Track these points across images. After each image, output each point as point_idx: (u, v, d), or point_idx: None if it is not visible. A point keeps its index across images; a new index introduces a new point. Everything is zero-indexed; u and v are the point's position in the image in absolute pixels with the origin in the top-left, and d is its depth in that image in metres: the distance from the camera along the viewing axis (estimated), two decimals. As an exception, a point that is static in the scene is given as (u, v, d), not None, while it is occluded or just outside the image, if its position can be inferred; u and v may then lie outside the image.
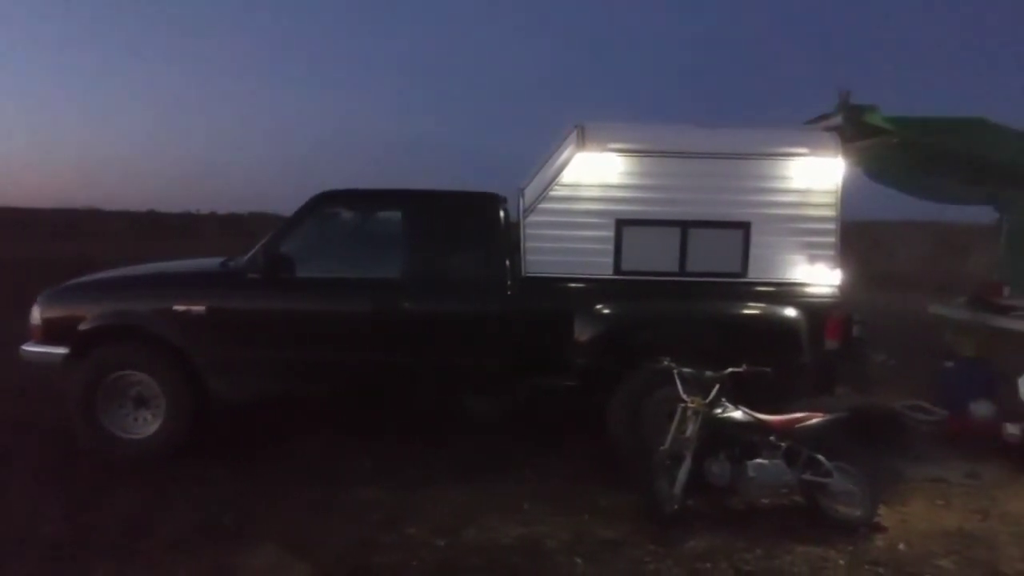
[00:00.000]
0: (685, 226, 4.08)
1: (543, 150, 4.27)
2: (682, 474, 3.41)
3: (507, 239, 4.19)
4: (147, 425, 4.14)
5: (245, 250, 4.38)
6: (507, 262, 4.12)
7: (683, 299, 4.09)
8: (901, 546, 3.25)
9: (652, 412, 3.94)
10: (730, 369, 3.51)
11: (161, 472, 3.93)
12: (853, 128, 4.07)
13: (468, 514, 3.50)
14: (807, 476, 3.42)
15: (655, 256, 4.10)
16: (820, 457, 3.43)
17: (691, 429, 3.45)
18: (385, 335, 4.14)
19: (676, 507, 3.38)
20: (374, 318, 4.11)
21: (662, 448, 3.52)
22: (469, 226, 4.26)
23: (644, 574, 2.97)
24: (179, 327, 4.05)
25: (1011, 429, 4.47)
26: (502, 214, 4.23)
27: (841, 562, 3.09)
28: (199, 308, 4.06)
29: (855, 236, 18.55)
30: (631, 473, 3.75)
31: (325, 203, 4.30)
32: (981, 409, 4.92)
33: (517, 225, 4.22)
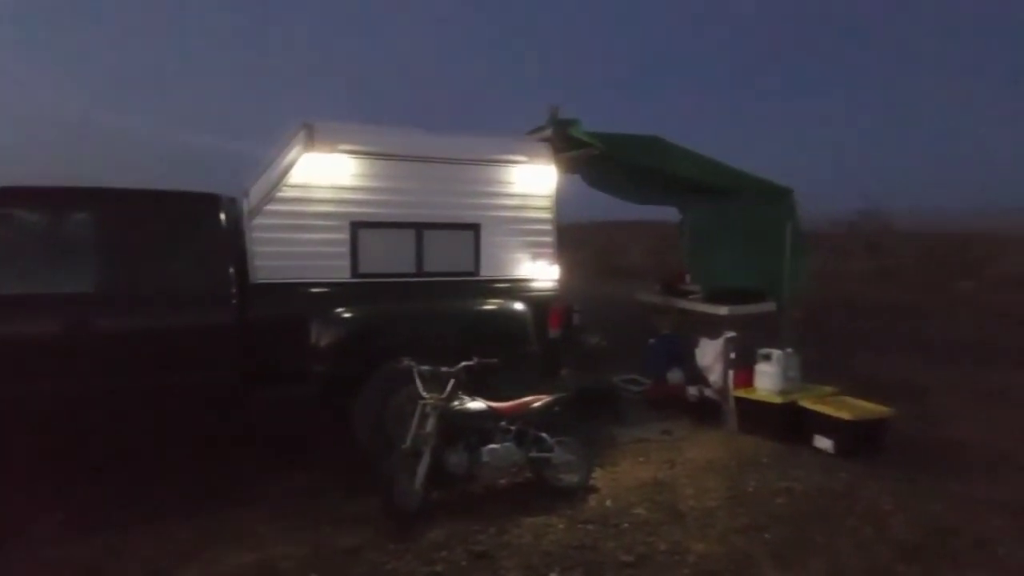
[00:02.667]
0: (420, 228, 4.19)
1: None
2: (422, 469, 3.50)
3: (230, 244, 3.85)
4: None
5: None
6: (231, 269, 3.79)
7: (422, 299, 4.20)
8: (608, 502, 3.76)
9: (396, 412, 3.97)
10: (463, 363, 3.71)
11: None
12: (561, 140, 4.60)
13: (190, 550, 3.14)
14: (534, 453, 3.78)
15: (392, 258, 4.15)
16: (544, 435, 3.82)
17: (431, 424, 3.56)
18: (80, 360, 3.50)
19: (418, 502, 3.46)
20: (61, 341, 3.45)
21: (403, 446, 3.58)
22: (183, 230, 3.80)
23: (383, 575, 2.98)
24: None
25: (692, 391, 5.50)
26: (223, 216, 3.86)
27: (561, 526, 3.46)
28: None
29: (592, 235, 21.21)
30: (377, 475, 3.74)
31: (-5, 203, 3.48)
32: (674, 376, 5.97)
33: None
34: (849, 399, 4.79)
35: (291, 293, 3.92)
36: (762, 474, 4.18)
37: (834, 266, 15.48)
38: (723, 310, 5.28)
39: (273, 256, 3.87)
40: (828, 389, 4.98)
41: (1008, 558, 3.17)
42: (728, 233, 5.99)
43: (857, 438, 4.41)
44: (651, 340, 6.34)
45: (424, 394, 3.61)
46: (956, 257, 15.42)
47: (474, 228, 4.33)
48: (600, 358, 5.94)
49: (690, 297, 5.86)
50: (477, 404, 3.73)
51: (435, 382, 3.67)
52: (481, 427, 3.72)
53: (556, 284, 4.62)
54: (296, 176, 3.87)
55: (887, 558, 3.16)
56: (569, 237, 5.52)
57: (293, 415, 4.23)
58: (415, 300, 4.19)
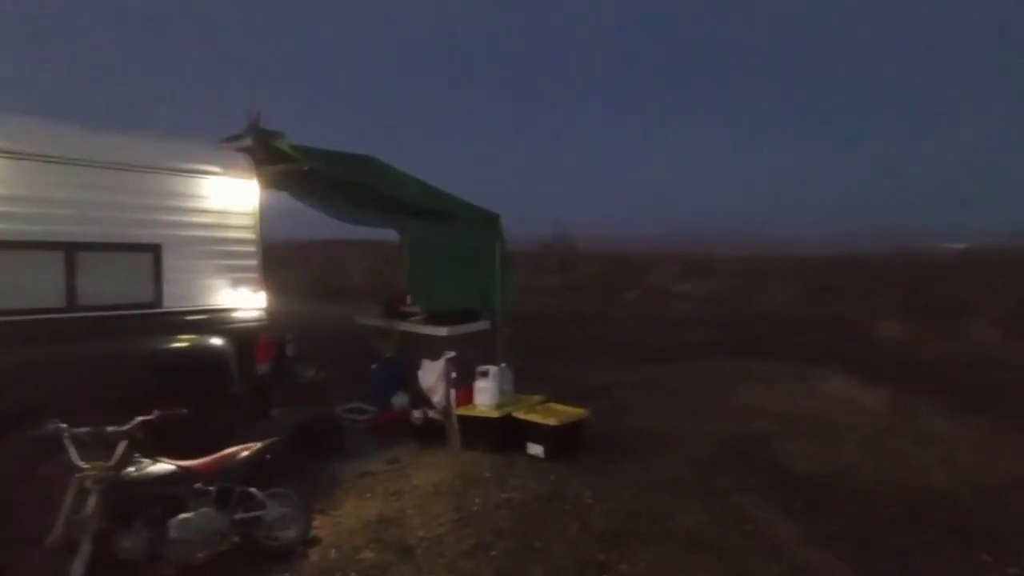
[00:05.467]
0: (72, 249, 3.27)
1: None
2: (78, 566, 2.67)
3: None
4: None
5: None
6: None
7: (75, 341, 3.28)
8: (332, 552, 3.42)
9: (39, 494, 2.99)
10: (139, 419, 2.97)
11: None
12: (265, 152, 4.12)
13: None
14: (240, 515, 3.22)
15: (29, 289, 3.15)
16: (253, 490, 3.29)
17: (92, 503, 2.75)
18: None
19: (73, 611, 2.63)
20: None
21: (49, 540, 2.69)
22: None
23: None
24: None
25: (416, 414, 5.45)
26: None
27: (276, 593, 3.00)
28: None
29: (310, 255, 20.16)
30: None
31: None
32: (399, 401, 5.85)
33: None
34: (554, 405, 5.27)
35: None
36: (485, 489, 4.30)
37: (533, 282, 17.42)
38: (443, 330, 5.36)
39: None
40: (537, 398, 5.43)
41: (679, 527, 3.78)
42: (445, 255, 6.15)
43: (562, 441, 4.87)
44: (374, 365, 6.14)
45: (81, 464, 2.79)
46: (625, 272, 18.78)
47: (153, 250, 3.56)
48: (319, 390, 5.50)
49: (411, 319, 5.83)
50: (162, 467, 3.02)
51: (99, 447, 2.86)
52: (168, 494, 3.03)
53: (263, 312, 4.09)
54: None
55: (592, 549, 3.49)
56: (282, 258, 4.99)
57: None
58: (63, 343, 3.24)
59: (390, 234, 7.03)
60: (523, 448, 4.95)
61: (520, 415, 5.02)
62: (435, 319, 5.57)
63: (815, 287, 15.88)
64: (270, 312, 4.16)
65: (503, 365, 5.35)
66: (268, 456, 3.41)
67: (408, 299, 6.26)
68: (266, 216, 4.19)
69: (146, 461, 3.00)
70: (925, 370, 8.00)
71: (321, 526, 3.68)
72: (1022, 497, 4.24)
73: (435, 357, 5.45)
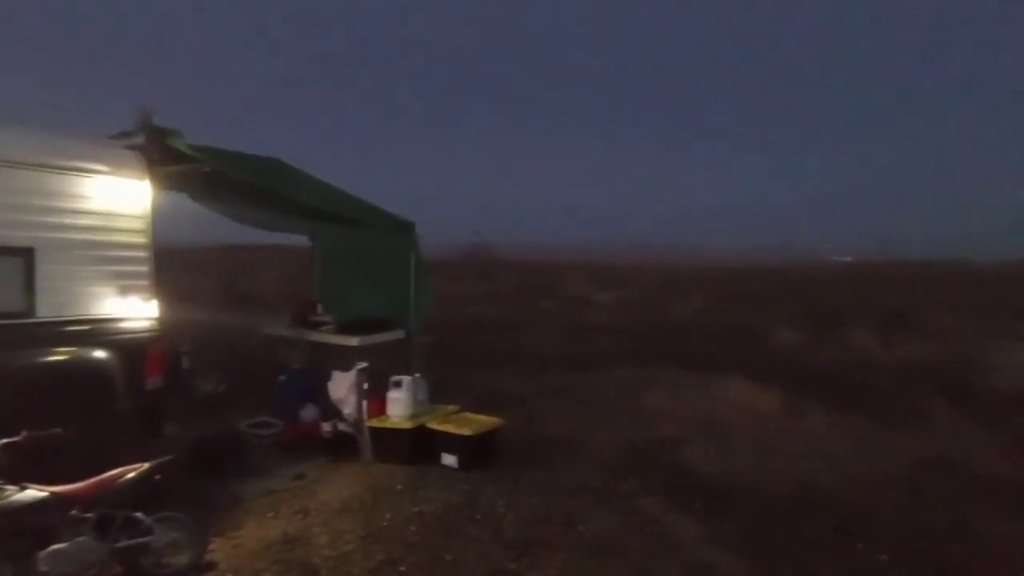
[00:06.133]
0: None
1: None
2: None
3: None
4: None
5: None
6: None
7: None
8: (229, 577, 3.23)
9: None
10: (3, 441, 2.69)
11: None
12: (159, 151, 3.86)
13: None
14: (123, 542, 2.98)
15: None
16: (139, 515, 3.05)
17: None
18: None
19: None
20: None
21: None
22: None
23: None
24: None
25: (326, 427, 5.26)
26: None
27: (162, 627, 2.79)
28: None
29: (217, 260, 19.09)
30: None
31: None
32: (308, 413, 5.63)
33: None
34: (468, 414, 5.25)
35: None
36: (396, 503, 4.21)
37: (452, 291, 17.36)
38: (354, 340, 5.22)
39: None
40: (452, 408, 5.38)
41: (587, 532, 3.86)
42: (357, 263, 6.00)
43: (476, 450, 4.86)
44: (282, 377, 5.88)
45: (-71, 495, 2.48)
46: (542, 281, 19.08)
47: (24, 254, 3.23)
48: (221, 404, 5.20)
49: (322, 328, 5.64)
50: (30, 494, 2.75)
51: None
52: (37, 524, 2.75)
53: (155, 322, 3.82)
54: None
55: (503, 559, 3.49)
56: (186, 263, 4.68)
57: None
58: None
59: (306, 239, 6.77)
60: (437, 459, 4.90)
61: (434, 425, 4.96)
62: (346, 328, 5.41)
63: (720, 297, 16.84)
64: (163, 321, 3.89)
65: (417, 375, 5.27)
66: (158, 477, 3.18)
67: (319, 308, 6.05)
68: (166, 219, 3.93)
69: (11, 488, 2.72)
70: (813, 374, 8.64)
71: (218, 550, 3.47)
72: (892, 490, 4.66)
73: (346, 368, 5.30)
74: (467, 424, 4.95)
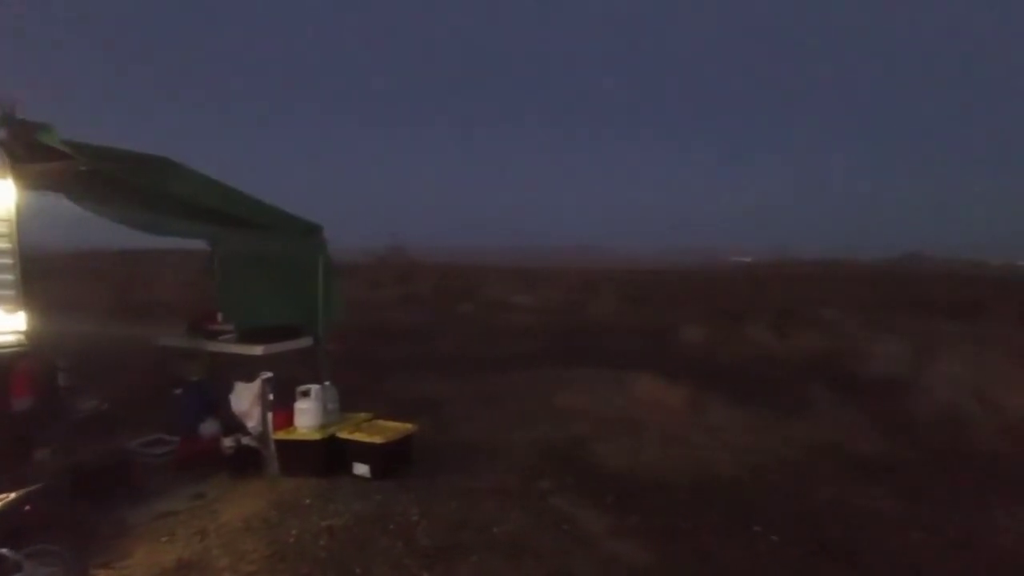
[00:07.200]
0: None
1: None
2: None
3: None
4: None
5: None
6: None
7: None
8: (114, 611, 2.97)
9: None
10: None
11: None
12: (24, 147, 3.49)
13: None
14: (-15, 582, 2.68)
15: None
16: (4, 551, 2.75)
17: None
18: None
19: None
20: None
21: None
22: None
23: None
24: None
25: (228, 442, 4.97)
26: None
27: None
28: None
29: (109, 266, 17.64)
30: None
31: None
32: (208, 428, 5.30)
33: None
34: (381, 422, 5.13)
35: None
36: (304, 517, 4.04)
37: (368, 295, 16.95)
38: (258, 350, 4.96)
39: None
40: (363, 415, 5.24)
41: (501, 534, 3.86)
42: (261, 268, 5.72)
43: (389, 458, 4.75)
44: (178, 391, 5.50)
45: None
46: (461, 284, 19.01)
47: None
48: (108, 423, 4.80)
49: (222, 338, 5.32)
50: None
51: None
52: None
53: (22, 336, 3.45)
54: None
55: (416, 568, 3.43)
56: (65, 270, 4.27)
57: None
58: None
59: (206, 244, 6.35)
60: (349, 469, 4.75)
61: (345, 435, 4.81)
62: (250, 337, 5.13)
63: (633, 298, 17.46)
64: (34, 335, 3.53)
65: (327, 383, 5.09)
66: (27, 507, 2.89)
67: (219, 316, 5.71)
68: (40, 221, 3.57)
69: None
70: (717, 369, 9.11)
71: (102, 582, 3.19)
72: (785, 474, 4.99)
73: (250, 379, 5.03)
74: (380, 432, 4.84)
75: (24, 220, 3.50)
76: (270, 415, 4.87)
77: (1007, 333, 10.19)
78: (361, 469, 4.72)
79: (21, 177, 3.45)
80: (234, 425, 5.10)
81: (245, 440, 4.98)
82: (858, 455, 5.47)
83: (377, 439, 4.69)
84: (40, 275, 3.77)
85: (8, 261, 3.35)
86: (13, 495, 2.85)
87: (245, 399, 5.01)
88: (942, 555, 3.76)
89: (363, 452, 4.70)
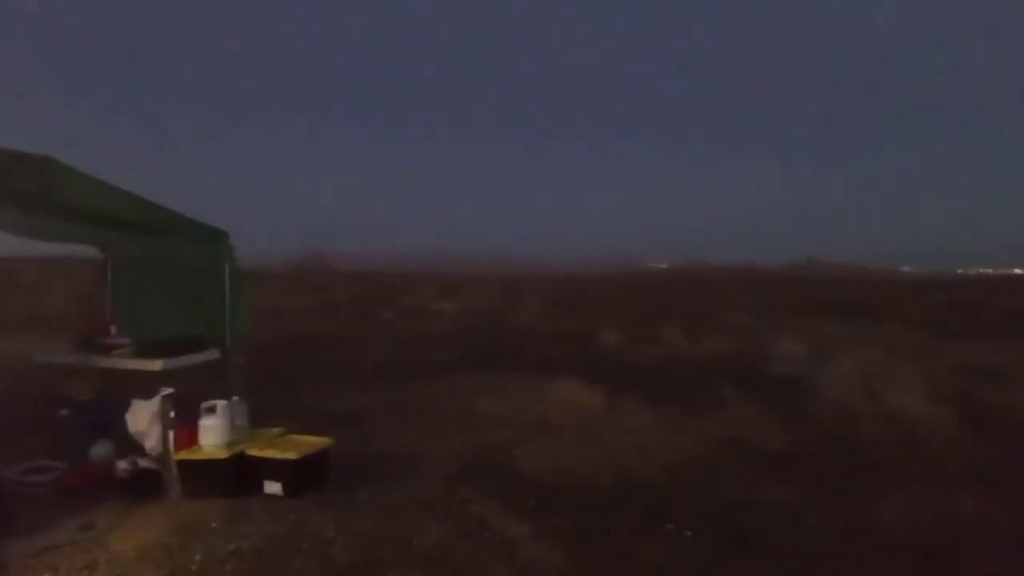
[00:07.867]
0: None
1: None
2: None
3: None
4: None
5: None
6: None
7: None
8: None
9: None
10: None
11: None
12: None
13: None
14: None
15: None
16: None
17: None
18: None
19: None
20: None
21: None
22: None
23: None
24: None
25: (123, 465, 4.61)
26: None
27: None
28: None
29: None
30: None
31: None
32: (100, 451, 4.88)
33: None
34: (295, 437, 4.92)
35: None
36: (209, 542, 3.80)
37: (283, 304, 16.28)
38: (157, 364, 4.64)
39: None
40: (276, 431, 5.00)
41: (420, 547, 3.80)
42: (160, 277, 5.36)
43: (303, 475, 4.56)
44: (64, 411, 5.03)
45: None
46: (381, 292, 18.65)
47: None
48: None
49: (115, 352, 4.93)
50: None
51: None
52: None
53: None
54: None
55: (330, 588, 3.31)
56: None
57: None
58: None
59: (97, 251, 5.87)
60: (261, 488, 4.52)
61: (255, 452, 4.57)
62: (147, 351, 4.79)
63: (554, 303, 17.77)
64: None
65: (235, 398, 4.83)
66: None
67: (112, 329, 5.30)
68: None
69: None
70: (633, 371, 9.43)
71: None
72: (695, 470, 5.23)
73: (149, 396, 4.70)
74: (293, 447, 4.64)
75: None
76: (171, 434, 4.56)
77: (892, 333, 11.22)
78: (273, 487, 4.50)
79: None
80: (131, 446, 4.74)
81: (143, 462, 4.63)
82: (760, 449, 5.81)
83: (290, 455, 4.49)
84: None
85: None
86: None
87: (143, 418, 4.68)
88: (838, 538, 4.06)
89: (275, 469, 4.49)
